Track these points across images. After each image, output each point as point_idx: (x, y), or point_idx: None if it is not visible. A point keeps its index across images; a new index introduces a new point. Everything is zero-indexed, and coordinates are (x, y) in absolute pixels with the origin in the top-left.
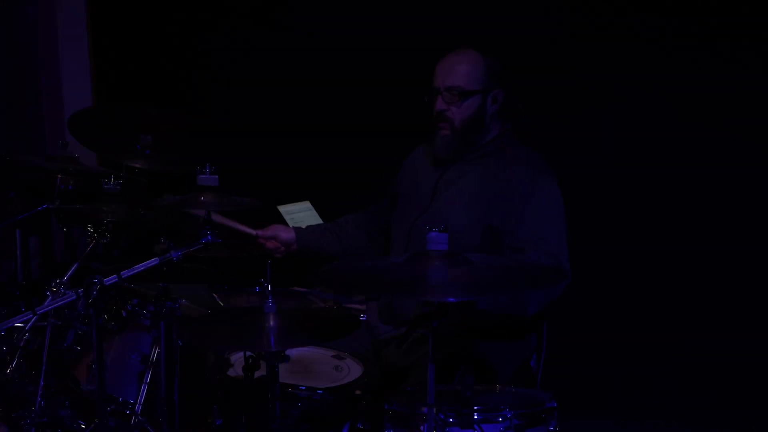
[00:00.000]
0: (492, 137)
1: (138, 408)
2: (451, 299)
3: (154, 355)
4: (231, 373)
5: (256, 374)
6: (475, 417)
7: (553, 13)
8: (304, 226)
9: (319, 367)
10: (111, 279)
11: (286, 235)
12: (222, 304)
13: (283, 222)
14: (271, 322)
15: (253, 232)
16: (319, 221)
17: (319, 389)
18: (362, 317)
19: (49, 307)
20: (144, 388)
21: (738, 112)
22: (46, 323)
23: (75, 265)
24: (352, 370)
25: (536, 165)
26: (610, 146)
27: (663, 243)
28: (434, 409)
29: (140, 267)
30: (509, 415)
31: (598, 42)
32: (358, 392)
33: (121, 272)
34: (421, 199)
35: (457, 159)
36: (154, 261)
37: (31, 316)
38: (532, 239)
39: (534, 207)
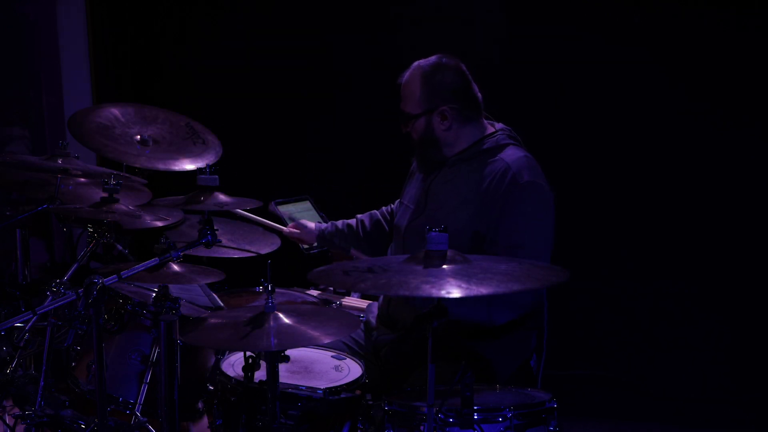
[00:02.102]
0: (474, 141)
1: (138, 408)
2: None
3: (154, 355)
4: (231, 373)
5: (256, 375)
6: (475, 417)
7: None
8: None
9: (319, 367)
10: (111, 279)
11: (308, 237)
12: (222, 304)
13: (281, 221)
14: (271, 322)
15: (283, 229)
16: (319, 220)
17: (319, 389)
18: (362, 317)
19: (49, 307)
20: (144, 388)
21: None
22: (46, 323)
23: (75, 265)
24: (352, 370)
25: (519, 168)
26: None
27: (662, 243)
28: (434, 409)
29: (140, 267)
30: (509, 415)
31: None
32: (358, 392)
33: (121, 272)
34: (415, 204)
35: (443, 164)
36: (154, 261)
37: (31, 316)
38: (507, 247)
39: (510, 214)
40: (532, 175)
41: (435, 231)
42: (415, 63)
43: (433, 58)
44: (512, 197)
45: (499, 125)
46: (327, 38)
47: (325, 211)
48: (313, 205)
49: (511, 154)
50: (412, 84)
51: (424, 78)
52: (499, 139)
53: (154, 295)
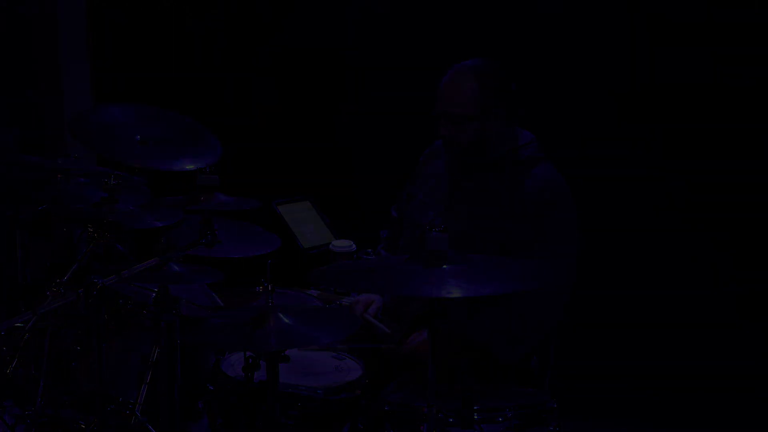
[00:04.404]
0: (509, 149)
1: (138, 408)
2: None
3: (154, 355)
4: (231, 373)
5: (256, 375)
6: (475, 417)
7: None
8: (304, 226)
9: (319, 367)
10: (111, 279)
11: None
12: (222, 304)
13: (281, 220)
14: (271, 322)
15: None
16: (319, 220)
17: (319, 389)
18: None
19: (49, 307)
20: (144, 388)
21: None
22: (46, 323)
23: (75, 265)
24: (352, 370)
25: (555, 189)
26: None
27: (667, 243)
28: (434, 409)
29: (140, 267)
30: (509, 415)
31: None
32: (358, 392)
33: (121, 272)
34: (441, 202)
35: (478, 168)
36: (153, 261)
37: (31, 316)
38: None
39: (543, 234)
40: (565, 198)
41: (435, 231)
42: (458, 65)
43: (477, 60)
44: (547, 218)
45: (527, 133)
46: (327, 38)
47: (325, 212)
48: (313, 205)
49: (546, 171)
50: (464, 84)
51: (479, 78)
52: (534, 152)
53: (154, 295)
